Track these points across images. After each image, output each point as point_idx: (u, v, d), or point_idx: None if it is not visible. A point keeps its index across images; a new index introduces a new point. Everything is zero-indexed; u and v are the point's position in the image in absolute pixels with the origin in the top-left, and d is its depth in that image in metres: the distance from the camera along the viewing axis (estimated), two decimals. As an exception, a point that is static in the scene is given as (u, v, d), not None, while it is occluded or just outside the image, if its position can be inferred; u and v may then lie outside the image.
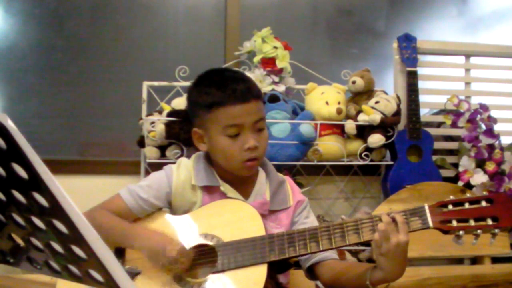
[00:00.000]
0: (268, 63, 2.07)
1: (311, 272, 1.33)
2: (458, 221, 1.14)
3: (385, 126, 2.05)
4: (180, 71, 2.10)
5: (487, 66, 2.45)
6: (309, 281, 1.38)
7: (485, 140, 2.10)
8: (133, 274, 1.20)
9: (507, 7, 2.78)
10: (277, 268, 1.28)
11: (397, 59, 2.24)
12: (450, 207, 1.15)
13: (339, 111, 2.04)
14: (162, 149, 1.99)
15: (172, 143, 1.96)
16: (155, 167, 1.80)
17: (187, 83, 2.11)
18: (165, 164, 1.39)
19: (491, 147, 2.12)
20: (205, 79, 1.31)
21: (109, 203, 1.31)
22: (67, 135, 2.25)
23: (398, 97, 2.14)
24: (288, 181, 1.43)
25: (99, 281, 0.64)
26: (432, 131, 2.23)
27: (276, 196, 1.36)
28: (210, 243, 1.22)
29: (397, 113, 2.09)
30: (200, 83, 1.31)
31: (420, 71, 2.22)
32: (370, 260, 2.01)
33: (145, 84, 2.12)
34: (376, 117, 2.01)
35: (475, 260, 2.18)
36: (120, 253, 1.25)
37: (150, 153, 1.98)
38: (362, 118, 2.04)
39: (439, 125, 2.37)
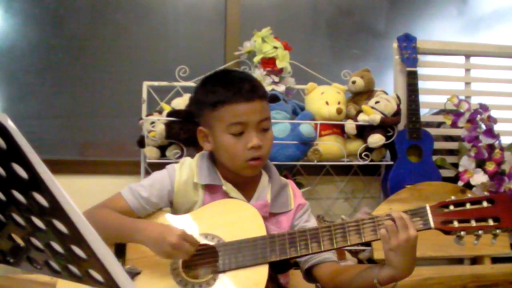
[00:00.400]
0: (268, 63, 2.07)
1: (310, 275, 1.33)
2: (460, 221, 1.14)
3: (385, 126, 2.05)
4: (180, 71, 2.10)
5: (487, 66, 2.45)
6: (308, 281, 1.37)
7: (485, 140, 2.10)
8: (133, 274, 1.20)
9: (507, 7, 2.78)
10: (277, 269, 1.28)
11: (397, 59, 2.24)
12: (452, 207, 1.15)
13: (339, 111, 2.04)
14: (162, 149, 1.99)
15: (172, 143, 1.95)
16: (155, 167, 1.79)
17: (187, 83, 2.12)
18: (165, 164, 1.39)
19: (491, 147, 2.12)
20: (211, 79, 1.33)
21: (110, 202, 1.31)
22: (67, 135, 2.25)
23: (398, 97, 2.14)
24: (291, 185, 1.43)
25: (99, 281, 0.64)
26: (432, 131, 2.23)
27: (278, 199, 1.36)
28: (211, 243, 1.22)
29: (397, 113, 2.09)
30: (207, 83, 1.33)
31: (420, 71, 2.22)
32: (370, 260, 2.01)
33: (145, 84, 2.12)
34: (376, 117, 2.01)
35: (475, 260, 2.17)
36: (120, 253, 1.25)
37: (150, 153, 1.98)
38: (362, 118, 2.04)
39: (439, 125, 2.37)
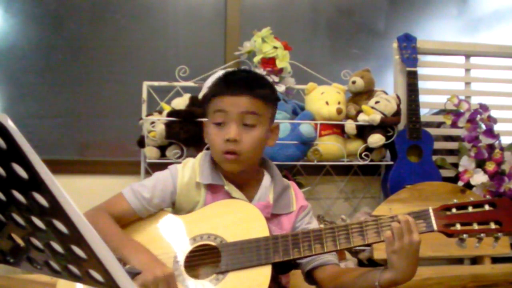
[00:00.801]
0: (268, 63, 2.07)
1: (310, 277, 1.33)
2: (462, 224, 1.15)
3: (385, 126, 2.06)
4: (180, 71, 2.10)
5: (487, 66, 2.45)
6: (308, 281, 1.37)
7: (485, 140, 2.10)
8: (133, 274, 1.20)
9: (507, 7, 2.78)
10: (279, 269, 1.27)
11: (397, 59, 2.24)
12: (454, 210, 1.16)
13: (339, 111, 2.04)
14: (162, 149, 1.99)
15: (172, 143, 1.95)
16: (155, 167, 1.80)
17: (187, 83, 2.12)
18: (165, 164, 1.39)
19: (491, 147, 2.12)
20: (223, 73, 1.37)
21: (112, 203, 1.30)
22: (67, 135, 2.25)
23: (398, 97, 2.14)
24: (293, 186, 1.43)
25: (99, 281, 0.64)
26: (432, 131, 2.23)
27: (280, 200, 1.35)
28: (213, 243, 1.21)
29: (397, 113, 2.09)
30: (218, 77, 1.37)
31: (420, 71, 2.22)
32: (370, 260, 2.01)
33: (145, 84, 2.12)
34: (376, 117, 2.01)
35: (475, 260, 2.17)
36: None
37: (150, 153, 1.98)
38: (362, 118, 2.04)
39: (439, 125, 2.37)
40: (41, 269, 0.72)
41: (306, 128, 1.96)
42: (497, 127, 2.15)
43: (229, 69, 1.43)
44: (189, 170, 1.33)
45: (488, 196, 2.05)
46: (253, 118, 1.27)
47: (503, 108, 2.39)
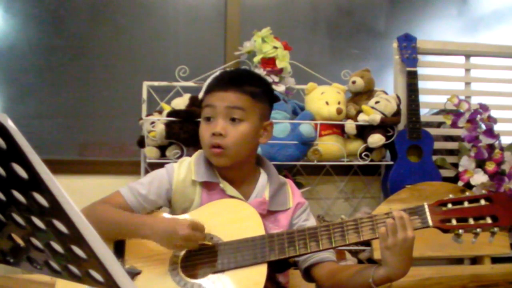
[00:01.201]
0: (268, 63, 2.07)
1: (308, 274, 1.33)
2: (458, 220, 1.14)
3: (385, 126, 2.05)
4: (180, 71, 2.10)
5: (487, 66, 2.45)
6: (308, 281, 1.37)
7: (485, 140, 2.10)
8: (133, 274, 1.20)
9: (507, 7, 2.78)
10: (276, 268, 1.28)
11: (397, 59, 2.24)
12: (450, 205, 1.15)
13: (339, 111, 2.04)
14: (162, 149, 1.99)
15: (172, 143, 1.95)
16: (155, 167, 1.79)
17: (187, 83, 2.12)
18: (165, 164, 1.39)
19: (491, 147, 2.12)
20: (215, 75, 1.43)
21: (109, 200, 1.31)
22: (67, 135, 2.25)
23: (398, 97, 2.14)
24: (290, 183, 1.43)
25: (99, 281, 0.64)
26: (432, 131, 2.23)
27: (276, 197, 1.36)
28: (210, 243, 1.22)
29: (397, 113, 2.09)
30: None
31: (420, 71, 2.22)
32: (370, 260, 2.01)
33: (145, 84, 2.12)
34: (376, 117, 2.01)
35: (475, 260, 2.17)
36: (119, 253, 1.25)
37: (150, 153, 1.98)
38: (362, 118, 2.04)
39: (439, 125, 2.37)
40: (41, 269, 0.72)
41: (306, 128, 1.96)
42: (497, 127, 2.15)
43: (228, 69, 1.49)
44: (185, 168, 1.34)
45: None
46: (240, 113, 1.28)
47: (503, 108, 2.39)
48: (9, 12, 2.22)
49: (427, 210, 1.15)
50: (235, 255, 1.18)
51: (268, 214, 1.33)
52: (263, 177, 1.38)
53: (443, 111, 2.24)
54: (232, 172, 1.33)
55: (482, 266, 2.11)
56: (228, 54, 2.30)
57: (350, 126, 2.06)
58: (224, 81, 1.31)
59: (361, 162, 2.09)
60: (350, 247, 2.01)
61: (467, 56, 2.38)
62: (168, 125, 1.91)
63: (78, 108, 2.26)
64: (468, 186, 2.10)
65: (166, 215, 1.31)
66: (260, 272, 1.16)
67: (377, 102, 2.06)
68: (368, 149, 2.08)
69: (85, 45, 2.27)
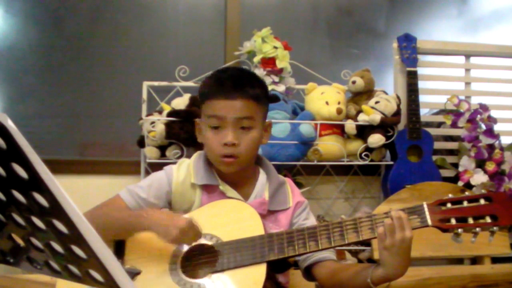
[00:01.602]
0: (268, 63, 2.07)
1: (309, 273, 1.33)
2: (457, 219, 1.14)
3: (385, 126, 2.05)
4: (180, 71, 2.10)
5: (487, 66, 2.45)
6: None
7: (485, 140, 2.10)
8: (133, 274, 1.20)
9: (507, 7, 2.78)
10: (276, 268, 1.28)
11: (397, 59, 2.24)
12: (449, 205, 1.15)
13: (339, 111, 2.04)
14: (162, 149, 1.99)
15: (172, 143, 1.95)
16: (155, 167, 1.80)
17: (187, 83, 2.12)
18: (165, 164, 1.39)
19: (491, 147, 2.12)
20: (214, 72, 1.36)
21: (109, 203, 1.31)
22: (67, 135, 2.25)
23: (398, 97, 2.14)
24: (289, 182, 1.43)
25: (99, 281, 0.64)
26: (432, 131, 2.23)
27: (276, 196, 1.36)
28: (210, 243, 1.22)
29: (397, 113, 2.09)
30: (209, 75, 1.36)
31: (420, 71, 2.22)
32: (370, 260, 2.01)
33: (145, 84, 2.12)
34: (376, 117, 2.01)
35: (475, 260, 2.17)
36: (120, 253, 1.25)
37: (150, 153, 1.98)
38: (362, 118, 2.04)
39: (439, 125, 2.37)
40: (41, 269, 0.72)
41: (306, 128, 1.96)
42: (497, 127, 2.15)
43: (220, 68, 1.44)
44: (184, 170, 1.34)
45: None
46: (249, 121, 1.28)
47: (503, 108, 2.39)
48: (9, 12, 2.22)
49: (426, 209, 1.15)
50: (234, 255, 1.19)
51: (268, 214, 1.33)
52: (262, 177, 1.38)
53: (443, 111, 2.24)
54: (233, 174, 1.33)
55: (482, 266, 2.11)
56: (228, 54, 2.30)
57: (350, 126, 2.06)
58: (228, 87, 1.27)
59: (361, 162, 2.09)
60: (350, 247, 2.01)
61: (467, 56, 2.38)
62: (168, 125, 1.91)
63: (78, 108, 2.26)
64: (468, 186, 2.10)
65: (165, 210, 1.32)
66: (259, 272, 1.16)
67: (377, 102, 2.06)
68: (368, 149, 2.08)
69: (85, 45, 2.27)
